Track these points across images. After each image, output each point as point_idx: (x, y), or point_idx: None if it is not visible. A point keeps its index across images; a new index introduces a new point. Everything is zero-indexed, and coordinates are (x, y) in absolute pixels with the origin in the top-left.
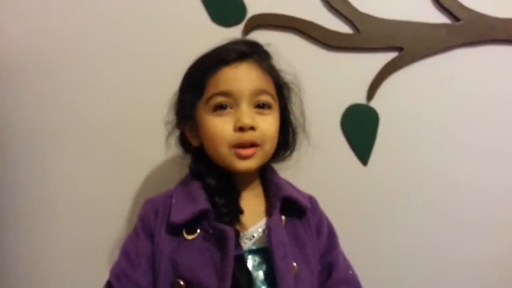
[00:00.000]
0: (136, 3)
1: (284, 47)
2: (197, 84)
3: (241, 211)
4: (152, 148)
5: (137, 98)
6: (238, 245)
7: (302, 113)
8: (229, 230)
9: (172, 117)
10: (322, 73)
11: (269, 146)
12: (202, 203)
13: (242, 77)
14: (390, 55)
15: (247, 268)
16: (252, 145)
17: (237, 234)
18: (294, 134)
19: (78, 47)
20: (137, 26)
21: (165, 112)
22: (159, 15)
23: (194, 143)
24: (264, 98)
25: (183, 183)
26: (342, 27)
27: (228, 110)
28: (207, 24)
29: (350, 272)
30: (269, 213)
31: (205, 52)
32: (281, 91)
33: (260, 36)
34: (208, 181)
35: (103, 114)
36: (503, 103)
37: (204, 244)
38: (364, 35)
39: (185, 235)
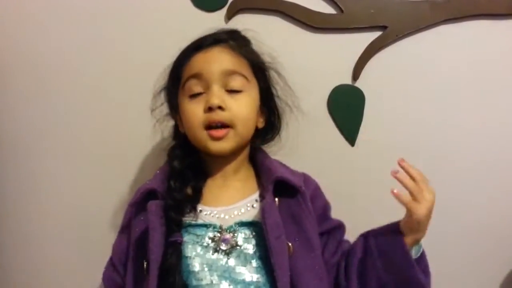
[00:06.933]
0: None
1: (268, 30)
2: (176, 73)
3: (196, 198)
4: (140, 139)
5: (120, 87)
6: (174, 227)
7: (289, 93)
8: (149, 204)
9: (156, 104)
10: (308, 54)
11: (242, 127)
12: (152, 183)
13: (212, 59)
14: (375, 34)
15: (179, 250)
16: (223, 126)
17: (180, 211)
18: (279, 115)
19: (67, 43)
20: (119, 12)
21: (150, 100)
22: (142, 2)
23: (181, 129)
24: (235, 79)
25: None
26: (326, 8)
27: (202, 95)
28: (190, 9)
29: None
30: (262, 196)
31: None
32: (260, 73)
33: (244, 20)
34: (173, 164)
35: (89, 108)
36: (487, 78)
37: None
38: (347, 15)
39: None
